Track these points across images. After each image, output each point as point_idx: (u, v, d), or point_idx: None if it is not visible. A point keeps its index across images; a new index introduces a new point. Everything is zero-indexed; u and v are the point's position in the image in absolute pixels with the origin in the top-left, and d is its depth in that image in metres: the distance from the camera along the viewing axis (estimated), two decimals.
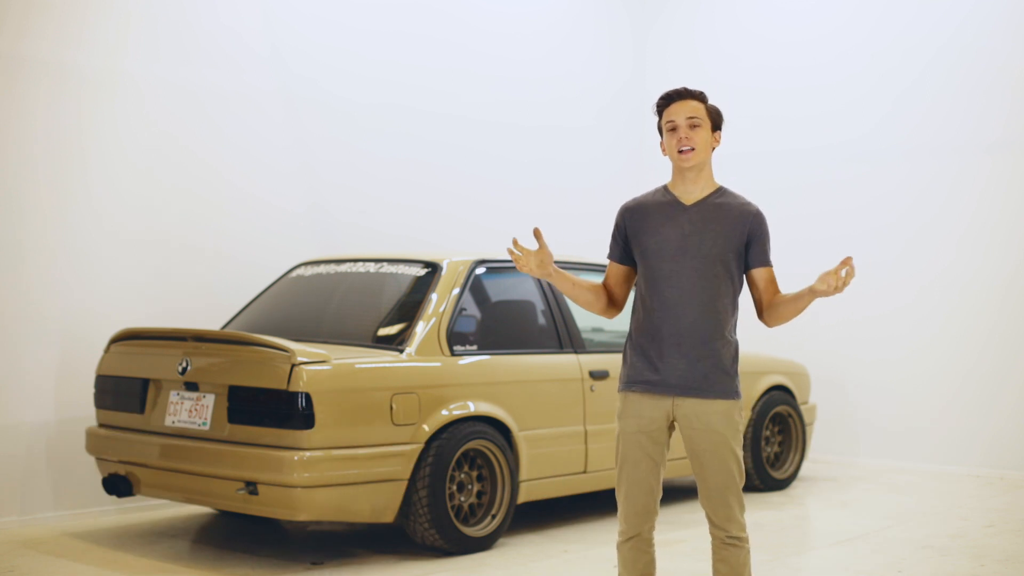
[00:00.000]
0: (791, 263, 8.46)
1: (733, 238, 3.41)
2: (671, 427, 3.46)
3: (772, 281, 3.48)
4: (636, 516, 3.44)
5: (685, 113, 3.41)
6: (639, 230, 3.48)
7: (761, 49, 8.86)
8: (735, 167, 8.75)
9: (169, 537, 5.63)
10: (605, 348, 6.21)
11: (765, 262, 3.47)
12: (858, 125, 8.34)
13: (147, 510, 6.23)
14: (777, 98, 8.73)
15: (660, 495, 3.48)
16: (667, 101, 3.45)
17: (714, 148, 3.47)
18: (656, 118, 3.51)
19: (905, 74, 8.10)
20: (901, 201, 8.11)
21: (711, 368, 3.40)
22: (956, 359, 7.81)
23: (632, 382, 3.45)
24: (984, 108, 7.74)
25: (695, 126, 3.41)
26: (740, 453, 3.43)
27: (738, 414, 3.44)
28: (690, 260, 3.39)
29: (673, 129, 3.42)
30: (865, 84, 8.30)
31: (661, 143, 3.50)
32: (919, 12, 8.08)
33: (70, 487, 6.01)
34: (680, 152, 3.41)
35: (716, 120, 3.48)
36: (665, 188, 3.53)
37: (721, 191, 3.50)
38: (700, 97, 3.46)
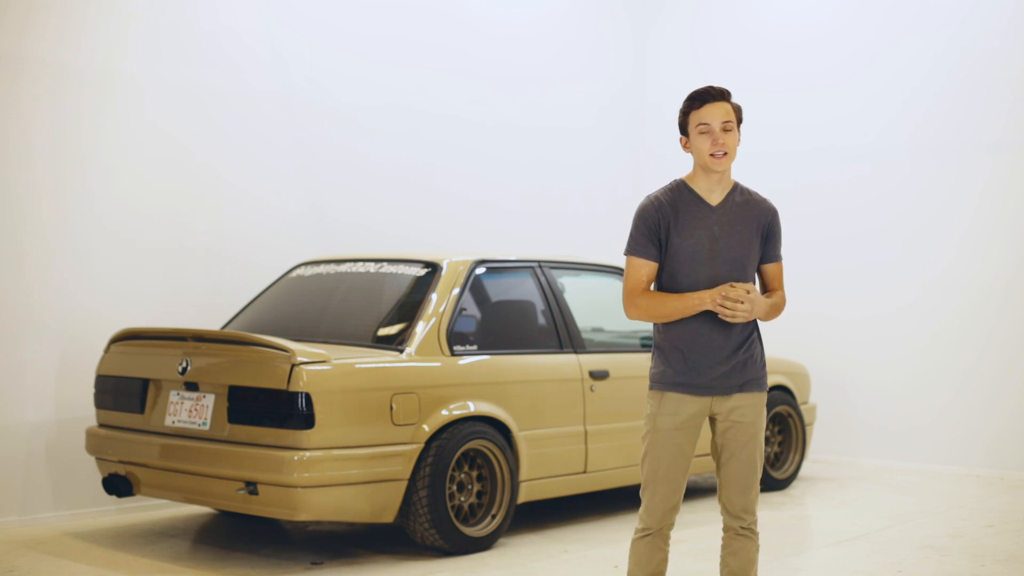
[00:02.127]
0: (792, 263, 8.49)
1: (756, 238, 3.50)
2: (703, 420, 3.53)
3: (778, 275, 3.58)
4: (664, 512, 3.49)
5: (720, 117, 3.41)
6: (671, 230, 3.46)
7: (761, 51, 8.86)
8: (736, 167, 8.75)
9: (169, 537, 5.63)
10: (605, 348, 6.21)
11: (775, 257, 3.57)
12: (858, 126, 8.34)
13: (147, 510, 6.24)
14: (777, 100, 8.73)
15: (684, 490, 3.55)
16: (700, 103, 3.43)
17: (737, 146, 3.51)
18: (680, 114, 3.50)
19: (906, 76, 8.10)
20: (901, 201, 8.11)
21: (747, 365, 3.48)
22: (956, 359, 7.81)
23: (672, 383, 3.47)
24: (984, 108, 7.74)
25: (728, 130, 3.43)
26: (763, 445, 3.55)
27: (765, 405, 3.54)
28: (721, 264, 3.43)
29: (706, 132, 3.42)
30: (866, 86, 8.30)
31: (682, 140, 3.50)
32: (919, 13, 8.08)
33: (70, 487, 6.01)
34: (713, 156, 3.42)
35: (740, 120, 3.51)
36: (685, 185, 3.51)
37: (738, 188, 3.55)
38: (729, 98, 3.48)
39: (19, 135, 5.93)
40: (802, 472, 7.62)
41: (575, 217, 8.76)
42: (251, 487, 4.82)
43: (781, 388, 7.17)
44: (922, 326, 7.97)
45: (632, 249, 3.48)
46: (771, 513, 6.36)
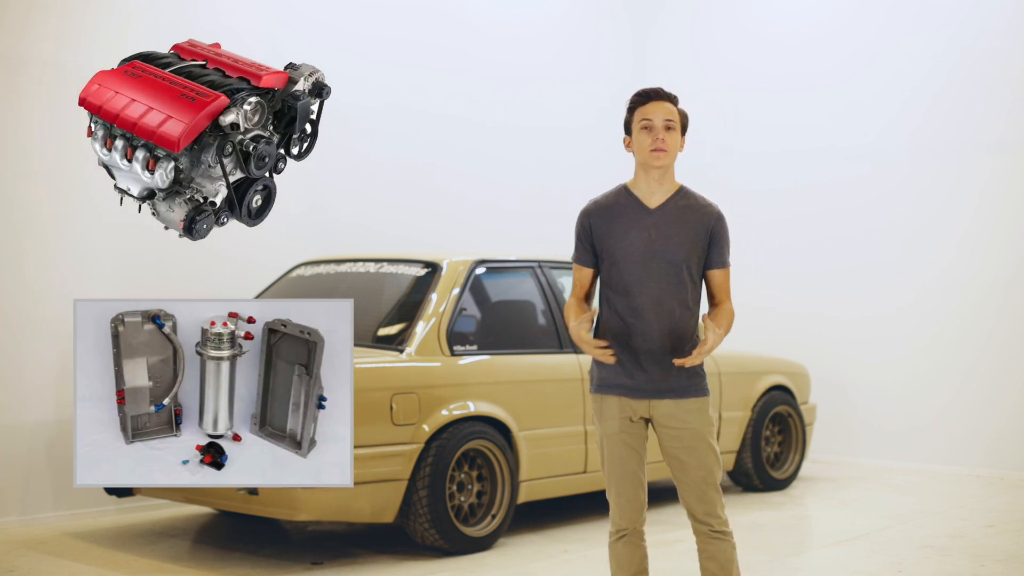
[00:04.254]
0: (792, 263, 8.52)
1: (697, 242, 3.45)
2: (648, 421, 3.51)
3: (724, 284, 3.51)
4: (632, 511, 3.49)
5: (662, 115, 3.43)
6: (605, 234, 3.50)
7: (761, 51, 8.86)
8: (736, 167, 8.77)
9: (169, 537, 5.63)
10: None
11: (721, 263, 3.50)
12: (859, 126, 8.34)
13: (147, 510, 6.24)
14: (777, 100, 8.73)
15: (647, 486, 3.54)
16: (644, 100, 3.46)
17: (679, 151, 3.50)
18: (626, 112, 3.51)
19: (906, 76, 8.10)
20: (901, 201, 8.11)
21: (682, 371, 3.44)
22: (956, 359, 7.80)
23: (608, 386, 3.50)
24: (984, 108, 7.74)
25: (670, 128, 3.43)
26: (717, 448, 3.50)
27: (710, 409, 3.51)
28: (657, 266, 3.43)
29: (648, 128, 3.43)
30: (866, 86, 8.29)
31: (625, 139, 3.52)
32: (919, 13, 8.08)
33: (70, 487, 6.00)
34: (652, 151, 3.42)
35: (685, 125, 3.51)
36: (626, 189, 3.54)
37: (683, 192, 3.52)
38: (675, 100, 3.49)
39: (19, 135, 5.92)
40: (802, 472, 7.62)
41: (575, 217, 8.74)
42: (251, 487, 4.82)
43: (781, 388, 7.17)
44: (922, 326, 7.96)
45: (572, 256, 3.62)
46: (771, 513, 6.36)
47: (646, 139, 3.43)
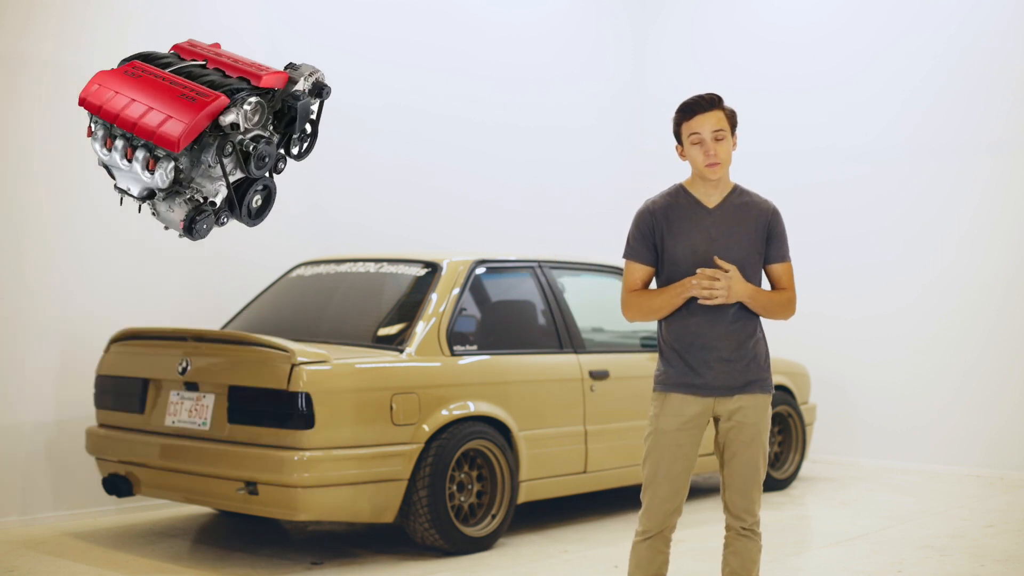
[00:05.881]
0: (792, 263, 8.51)
1: (756, 240, 3.51)
2: (710, 420, 3.53)
3: (785, 276, 3.59)
4: (664, 515, 3.49)
5: (711, 126, 3.43)
6: (666, 233, 3.50)
7: (761, 51, 8.86)
8: (736, 167, 8.75)
9: (169, 537, 5.63)
10: (605, 348, 6.21)
11: (782, 257, 3.58)
12: (858, 126, 8.34)
13: (147, 510, 6.24)
14: (777, 100, 8.73)
15: (687, 493, 3.54)
16: (689, 114, 3.45)
17: (733, 151, 3.52)
18: (673, 124, 3.51)
19: (906, 76, 8.10)
20: (901, 201, 8.11)
21: (749, 366, 3.48)
22: (956, 359, 7.81)
23: (674, 384, 3.49)
24: (984, 108, 7.74)
25: (720, 139, 3.44)
26: (767, 447, 3.53)
27: (770, 406, 3.54)
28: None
29: (698, 143, 3.44)
30: (866, 86, 8.30)
31: (678, 148, 3.53)
32: (919, 13, 8.08)
33: (70, 487, 6.01)
34: (708, 166, 3.44)
35: (734, 124, 3.53)
36: (683, 189, 3.55)
37: (738, 190, 3.56)
38: (720, 105, 3.48)
39: (19, 135, 5.92)
40: (802, 472, 7.62)
41: (575, 217, 8.76)
42: (251, 487, 4.82)
43: (781, 388, 7.17)
44: (922, 326, 7.97)
45: (627, 253, 3.57)
46: (771, 513, 6.36)
47: (699, 155, 3.45)
